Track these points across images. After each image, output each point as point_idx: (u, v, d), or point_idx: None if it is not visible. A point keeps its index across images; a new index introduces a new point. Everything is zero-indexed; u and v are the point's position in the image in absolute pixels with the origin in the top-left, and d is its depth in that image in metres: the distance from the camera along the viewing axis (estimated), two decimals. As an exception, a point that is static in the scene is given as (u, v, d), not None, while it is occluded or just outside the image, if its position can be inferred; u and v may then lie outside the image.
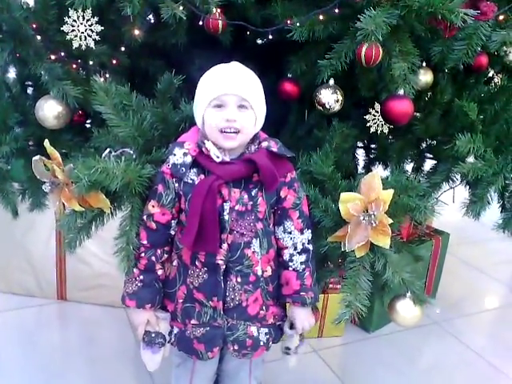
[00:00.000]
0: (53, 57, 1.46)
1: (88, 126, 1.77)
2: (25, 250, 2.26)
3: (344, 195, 1.25)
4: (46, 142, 1.20)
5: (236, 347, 1.26)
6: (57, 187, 1.21)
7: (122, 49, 1.54)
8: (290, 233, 1.24)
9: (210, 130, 1.16)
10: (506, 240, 2.08)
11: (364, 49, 1.19)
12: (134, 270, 1.22)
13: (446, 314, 2.43)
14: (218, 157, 1.15)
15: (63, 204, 1.22)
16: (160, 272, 1.24)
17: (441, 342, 2.27)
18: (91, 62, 1.48)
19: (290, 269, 1.25)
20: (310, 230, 1.26)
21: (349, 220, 1.25)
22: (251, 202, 1.18)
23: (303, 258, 1.25)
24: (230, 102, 1.13)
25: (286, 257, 1.25)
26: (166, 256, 1.24)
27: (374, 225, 1.23)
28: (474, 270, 2.98)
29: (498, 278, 2.89)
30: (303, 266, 1.25)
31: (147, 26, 1.53)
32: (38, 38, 1.45)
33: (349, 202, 1.24)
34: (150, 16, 1.62)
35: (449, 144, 1.58)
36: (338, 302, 1.28)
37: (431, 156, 1.95)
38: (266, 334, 1.28)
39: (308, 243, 1.26)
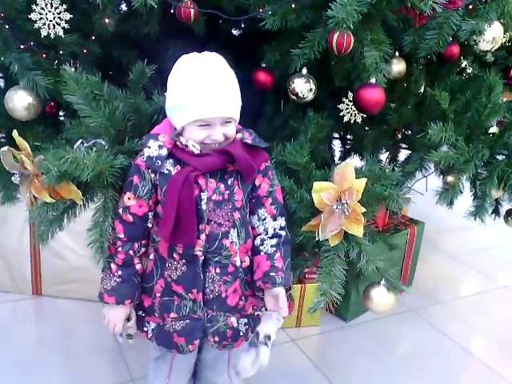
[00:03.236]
0: (22, 46, 1.44)
1: (60, 117, 1.75)
2: (-2, 244, 2.22)
3: (317, 184, 1.26)
4: (15, 133, 1.18)
5: (216, 339, 1.25)
6: (26, 179, 1.19)
7: (93, 38, 1.52)
8: (264, 219, 1.24)
9: (191, 138, 1.15)
10: (479, 229, 2.13)
11: (335, 37, 1.20)
12: (112, 265, 1.19)
13: (422, 302, 2.47)
14: (197, 149, 1.15)
15: (34, 196, 1.20)
16: (138, 266, 1.22)
17: (417, 330, 2.31)
18: (62, 52, 1.46)
19: (262, 253, 1.23)
20: (283, 218, 1.26)
21: (322, 209, 1.26)
22: (228, 192, 1.18)
23: (274, 241, 1.23)
24: (215, 122, 1.12)
25: (258, 242, 1.24)
26: (143, 250, 1.22)
27: (347, 213, 1.24)
28: (448, 259, 3.03)
29: (472, 266, 2.94)
30: (274, 249, 1.23)
31: (119, 16, 1.50)
32: (6, 27, 1.42)
33: (322, 192, 1.25)
34: (122, 5, 1.60)
35: (422, 133, 1.60)
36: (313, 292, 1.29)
37: (406, 146, 1.98)
38: (245, 324, 1.28)
39: (280, 229, 1.24)
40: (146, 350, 1.41)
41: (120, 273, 1.19)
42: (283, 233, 1.25)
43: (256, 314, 1.31)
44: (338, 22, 1.18)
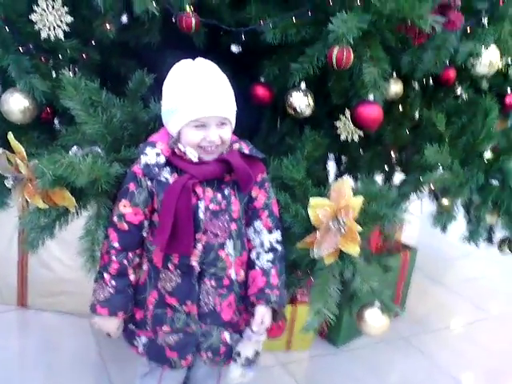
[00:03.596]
0: (21, 49, 1.43)
1: (56, 124, 1.74)
2: (-16, 254, 2.16)
3: (313, 200, 1.25)
4: (10, 135, 1.16)
5: (209, 355, 1.22)
6: (20, 183, 1.16)
7: (93, 44, 1.51)
8: (260, 232, 1.22)
9: (188, 144, 1.14)
10: (472, 257, 2.12)
11: (335, 51, 1.20)
12: (105, 275, 1.16)
13: (414, 330, 2.44)
14: (195, 156, 1.14)
15: (26, 201, 1.17)
16: (132, 277, 1.19)
17: (408, 357, 2.26)
18: (60, 57, 1.45)
19: (257, 267, 1.22)
20: (279, 232, 1.24)
21: (318, 226, 1.24)
22: (225, 201, 1.17)
23: (270, 256, 1.22)
24: (211, 123, 1.12)
25: (253, 255, 1.23)
26: (137, 260, 1.19)
27: (343, 231, 1.22)
28: (440, 287, 3.01)
29: (464, 295, 2.92)
30: (269, 265, 1.22)
31: (120, 25, 1.48)
32: (6, 29, 1.42)
33: (318, 208, 1.23)
34: (124, 15, 1.60)
35: (417, 155, 1.60)
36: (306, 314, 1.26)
37: (400, 169, 1.98)
38: (237, 340, 1.25)
39: (276, 243, 1.23)
40: (130, 366, 1.37)
41: (113, 283, 1.16)
42: (279, 247, 1.24)
43: None
44: (338, 36, 1.19)
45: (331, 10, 1.26)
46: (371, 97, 1.32)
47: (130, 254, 1.17)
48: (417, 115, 1.77)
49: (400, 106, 1.76)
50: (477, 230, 1.63)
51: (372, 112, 1.32)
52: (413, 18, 1.16)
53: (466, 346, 2.41)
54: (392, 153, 1.91)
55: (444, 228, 1.63)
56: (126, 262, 1.16)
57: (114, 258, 1.15)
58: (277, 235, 1.24)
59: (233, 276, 1.20)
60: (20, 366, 1.91)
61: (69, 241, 2.05)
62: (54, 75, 1.43)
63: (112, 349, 1.97)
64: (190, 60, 1.17)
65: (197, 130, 1.12)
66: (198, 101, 1.10)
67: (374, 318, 1.33)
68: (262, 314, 1.21)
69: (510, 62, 1.70)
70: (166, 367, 1.23)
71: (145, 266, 1.20)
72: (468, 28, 1.46)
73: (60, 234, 2.00)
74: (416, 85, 1.76)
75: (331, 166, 2.10)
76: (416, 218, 1.80)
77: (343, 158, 2.05)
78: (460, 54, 1.43)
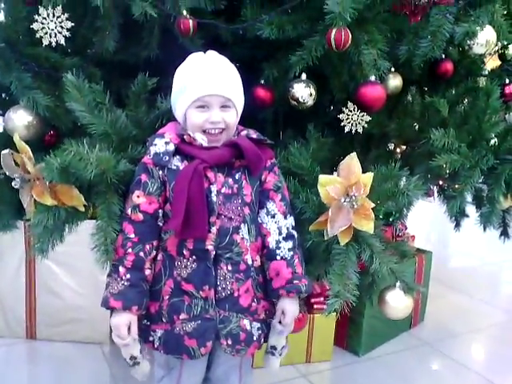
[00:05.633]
0: (23, 68, 1.45)
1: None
2: (-8, 285, 2.11)
3: (323, 178, 1.23)
4: (16, 136, 1.16)
5: (230, 342, 1.18)
6: (27, 183, 1.15)
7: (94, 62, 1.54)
8: (274, 216, 1.20)
9: (193, 128, 1.16)
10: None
11: (333, 33, 1.21)
12: (120, 268, 1.12)
13: (438, 335, 2.37)
14: (205, 141, 1.14)
15: (34, 202, 1.16)
16: (148, 272, 1.15)
17: (436, 362, 2.19)
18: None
19: (278, 258, 1.19)
20: (292, 217, 1.23)
21: (329, 204, 1.22)
22: (236, 185, 1.16)
23: (290, 244, 1.20)
24: (213, 103, 1.13)
25: (273, 244, 1.20)
26: (154, 253, 1.16)
27: (355, 207, 1.20)
28: (460, 293, 2.94)
29: (486, 300, 2.85)
30: (291, 253, 1.19)
31: (118, 36, 1.50)
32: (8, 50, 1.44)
33: (328, 185, 1.22)
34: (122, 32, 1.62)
35: (424, 141, 1.59)
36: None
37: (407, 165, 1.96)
38: (258, 328, 1.22)
39: (292, 229, 1.22)
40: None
41: (128, 276, 1.12)
42: (295, 234, 1.22)
43: (268, 320, 1.25)
44: (334, 17, 1.20)
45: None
46: (372, 77, 1.32)
47: (147, 246, 1.14)
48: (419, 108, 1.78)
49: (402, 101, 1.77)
50: (492, 212, 1.59)
51: (375, 92, 1.32)
52: (407, -9, 1.18)
53: (495, 346, 2.34)
54: (398, 150, 1.90)
55: (457, 211, 1.59)
56: (142, 254, 1.13)
57: (129, 250, 1.12)
58: (291, 220, 1.23)
59: (249, 261, 1.18)
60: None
61: (77, 267, 2.03)
62: (57, 96, 1.44)
63: (126, 376, 1.90)
64: (201, 52, 1.20)
65: (200, 112, 1.13)
66: (200, 80, 1.13)
67: (397, 300, 1.30)
68: (293, 307, 1.20)
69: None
70: (186, 357, 1.17)
71: (159, 256, 1.18)
72: (461, 12, 1.49)
73: (68, 261, 1.99)
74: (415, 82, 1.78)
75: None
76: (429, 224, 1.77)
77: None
78: (456, 35, 1.44)
